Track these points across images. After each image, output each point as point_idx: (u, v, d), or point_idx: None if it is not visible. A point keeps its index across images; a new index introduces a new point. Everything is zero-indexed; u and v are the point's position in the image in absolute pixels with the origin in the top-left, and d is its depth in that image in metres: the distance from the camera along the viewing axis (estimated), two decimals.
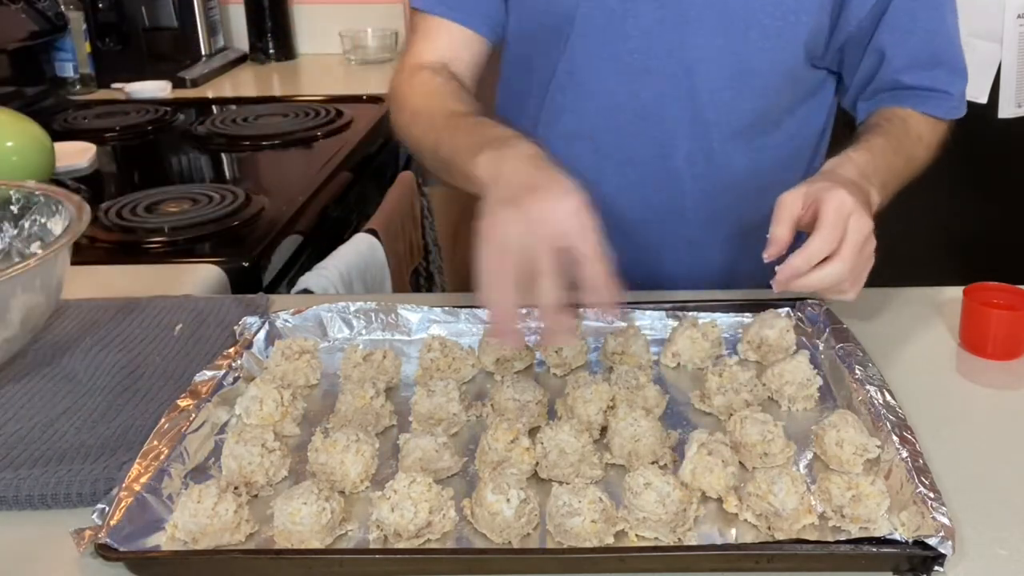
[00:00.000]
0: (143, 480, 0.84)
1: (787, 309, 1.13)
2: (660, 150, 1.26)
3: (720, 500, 0.84)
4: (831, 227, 0.92)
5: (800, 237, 0.97)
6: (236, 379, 1.02)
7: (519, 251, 0.83)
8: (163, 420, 0.93)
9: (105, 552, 0.77)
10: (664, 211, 1.30)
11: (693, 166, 1.27)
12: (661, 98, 1.23)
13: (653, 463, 0.88)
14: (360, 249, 1.66)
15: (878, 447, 0.88)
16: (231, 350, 1.06)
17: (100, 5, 2.49)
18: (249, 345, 1.08)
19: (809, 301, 1.13)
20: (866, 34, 1.20)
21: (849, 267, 0.93)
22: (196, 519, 0.80)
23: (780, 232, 0.95)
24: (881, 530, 0.79)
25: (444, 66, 1.23)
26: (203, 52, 2.61)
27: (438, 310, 1.14)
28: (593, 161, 1.27)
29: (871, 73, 1.23)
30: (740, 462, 0.90)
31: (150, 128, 2.18)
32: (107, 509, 0.81)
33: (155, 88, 2.45)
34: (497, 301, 0.85)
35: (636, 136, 1.26)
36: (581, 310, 1.12)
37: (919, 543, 0.74)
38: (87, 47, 2.49)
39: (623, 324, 1.12)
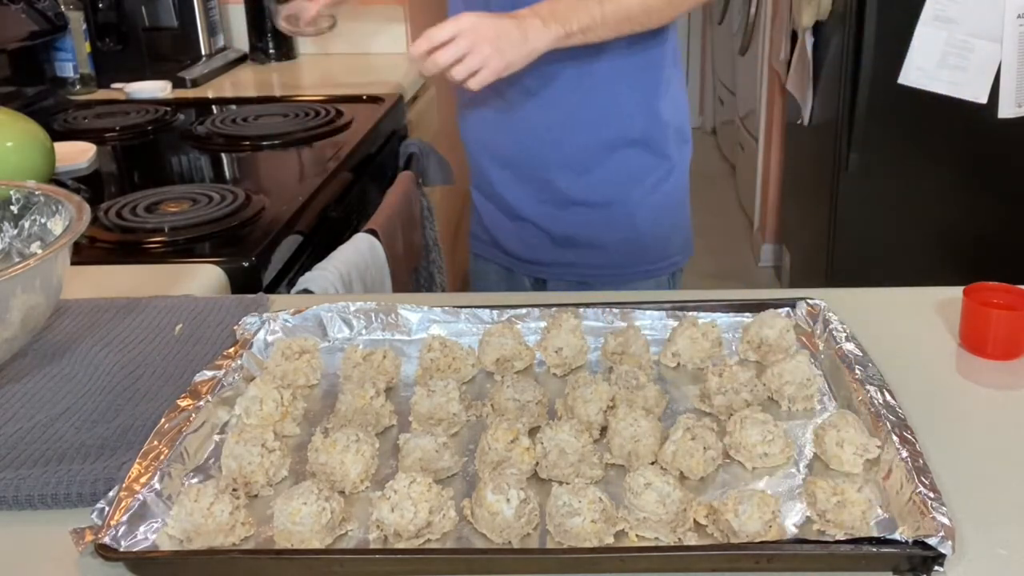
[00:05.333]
0: (143, 480, 0.84)
1: (787, 309, 1.13)
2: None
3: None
4: (433, 31, 1.32)
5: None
6: (236, 379, 1.02)
7: None
8: (163, 420, 0.93)
9: (104, 552, 0.77)
10: None
11: None
12: None
13: (653, 463, 0.88)
14: (360, 249, 1.66)
15: (878, 447, 0.88)
16: (231, 350, 1.06)
17: (100, 5, 2.49)
18: (249, 345, 1.08)
19: (809, 301, 1.13)
20: None
21: (448, 60, 1.32)
22: (192, 518, 0.80)
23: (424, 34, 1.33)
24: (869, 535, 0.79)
25: None
26: (203, 52, 2.60)
27: (438, 310, 1.14)
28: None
29: None
30: (740, 461, 0.90)
31: (150, 128, 2.18)
32: (107, 509, 0.81)
33: (155, 88, 2.45)
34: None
35: None
36: (581, 310, 1.12)
37: (919, 543, 0.74)
38: (87, 47, 2.49)
39: (623, 324, 1.12)
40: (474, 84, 1.34)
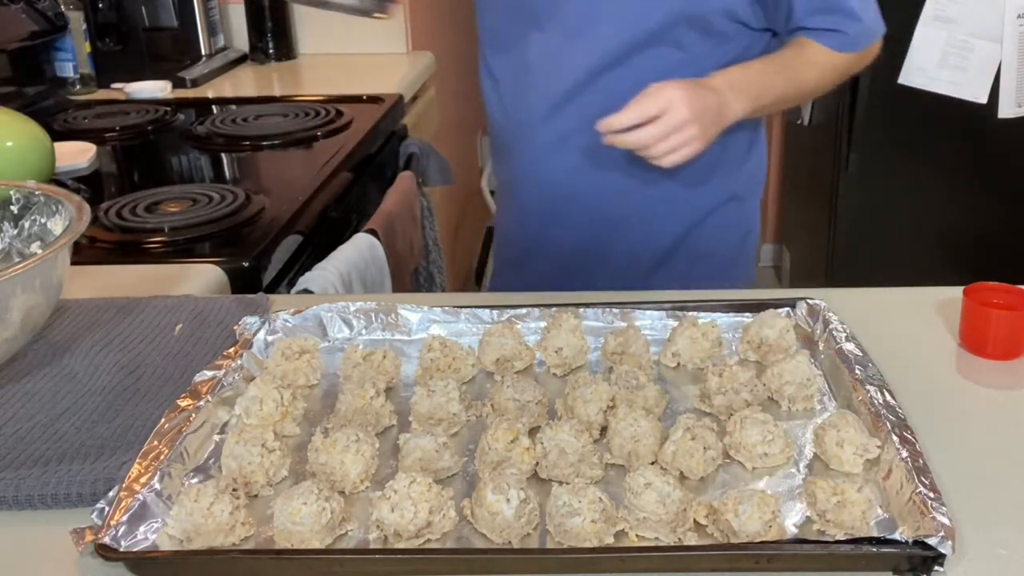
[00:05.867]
0: (143, 480, 0.84)
1: (787, 309, 1.13)
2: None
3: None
4: (643, 105, 1.20)
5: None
6: (236, 379, 1.02)
7: None
8: (163, 420, 0.93)
9: (105, 552, 0.77)
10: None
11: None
12: None
13: (653, 463, 0.88)
14: (360, 249, 1.66)
15: (878, 447, 0.88)
16: (231, 350, 1.06)
17: (100, 5, 2.49)
18: (249, 345, 1.08)
19: (809, 301, 1.13)
20: None
21: (654, 138, 1.20)
22: (192, 518, 0.80)
23: (631, 106, 1.21)
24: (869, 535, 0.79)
25: None
26: (203, 52, 2.60)
27: (438, 310, 1.14)
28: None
29: (784, 20, 1.39)
30: (740, 461, 0.90)
31: (150, 128, 2.18)
32: (107, 509, 0.81)
33: (155, 88, 2.44)
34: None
35: None
36: (581, 310, 1.12)
37: (919, 543, 0.74)
38: (87, 47, 2.49)
39: (623, 324, 1.12)
40: (667, 162, 1.22)
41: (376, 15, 1.38)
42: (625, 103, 1.22)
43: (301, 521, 0.79)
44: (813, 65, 1.37)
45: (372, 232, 1.73)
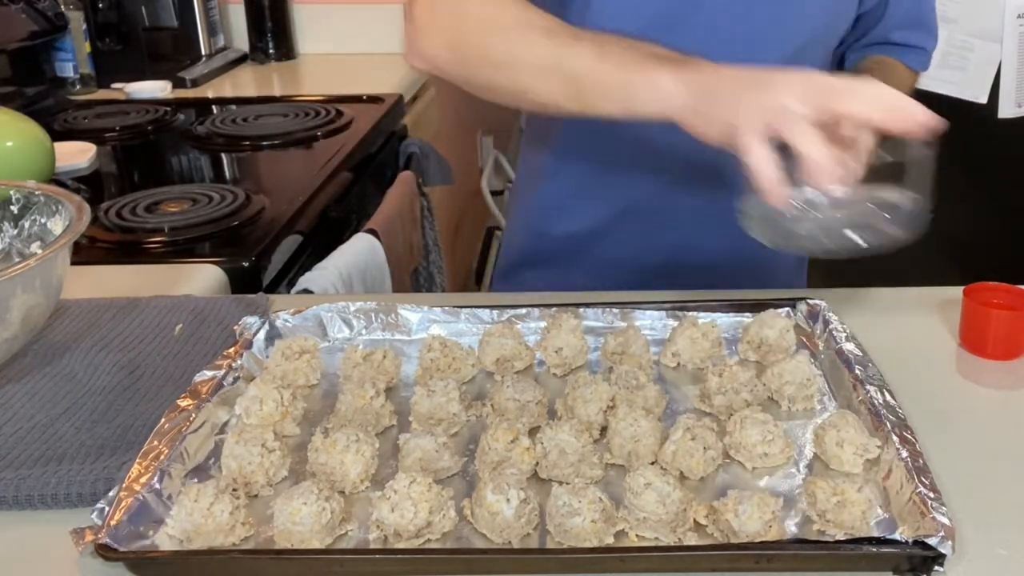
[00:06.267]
0: (143, 480, 0.84)
1: (787, 309, 1.13)
2: None
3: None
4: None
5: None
6: (236, 379, 1.02)
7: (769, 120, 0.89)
8: (163, 420, 0.93)
9: (105, 552, 0.77)
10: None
11: None
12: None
13: (653, 463, 0.88)
14: (360, 249, 1.66)
15: (878, 447, 0.88)
16: (231, 350, 1.06)
17: (100, 5, 2.49)
18: (249, 345, 1.08)
19: (809, 301, 1.13)
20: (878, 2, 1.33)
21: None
22: (192, 518, 0.80)
23: None
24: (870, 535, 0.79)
25: None
26: (203, 52, 2.61)
27: (438, 310, 1.14)
28: None
29: (867, 31, 1.36)
30: (740, 461, 0.90)
31: (150, 128, 2.18)
32: (107, 509, 0.81)
33: (155, 88, 2.45)
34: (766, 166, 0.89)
35: None
36: (581, 310, 1.12)
37: (919, 543, 0.74)
38: (87, 47, 2.49)
39: (623, 324, 1.12)
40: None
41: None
42: None
43: (301, 521, 0.79)
44: (901, 83, 1.35)
45: (372, 232, 1.73)
